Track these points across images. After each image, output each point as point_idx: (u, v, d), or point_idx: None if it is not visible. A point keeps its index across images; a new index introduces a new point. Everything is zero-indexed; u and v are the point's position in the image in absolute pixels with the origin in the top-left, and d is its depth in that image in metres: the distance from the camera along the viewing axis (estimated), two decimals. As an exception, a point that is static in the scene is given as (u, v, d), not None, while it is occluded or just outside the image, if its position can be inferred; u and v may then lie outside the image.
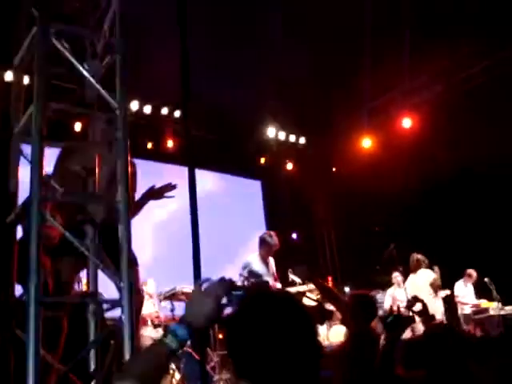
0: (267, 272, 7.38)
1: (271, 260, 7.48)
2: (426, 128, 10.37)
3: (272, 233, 7.57)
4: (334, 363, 3.74)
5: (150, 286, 8.49)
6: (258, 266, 7.29)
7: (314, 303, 6.98)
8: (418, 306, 5.65)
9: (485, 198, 9.62)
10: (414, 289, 8.70)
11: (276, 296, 1.66)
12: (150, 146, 10.78)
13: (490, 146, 8.74)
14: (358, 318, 4.03)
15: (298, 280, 7.75)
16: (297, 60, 8.67)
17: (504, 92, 8.93)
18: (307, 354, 1.49)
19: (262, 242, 7.41)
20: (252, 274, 7.22)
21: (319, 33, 8.07)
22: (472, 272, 9.66)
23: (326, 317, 7.91)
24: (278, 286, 7.53)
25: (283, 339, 1.47)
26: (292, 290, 7.14)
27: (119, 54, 3.32)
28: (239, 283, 7.11)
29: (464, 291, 9.75)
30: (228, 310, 1.77)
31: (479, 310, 9.44)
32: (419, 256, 9.14)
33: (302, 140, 12.46)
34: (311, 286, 7.89)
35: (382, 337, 4.00)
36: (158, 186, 4.47)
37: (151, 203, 4.47)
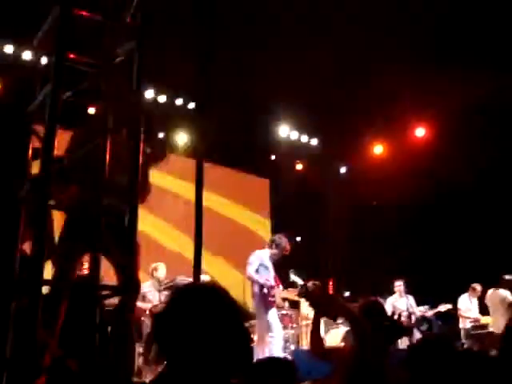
0: (272, 271, 7.56)
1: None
2: (439, 138, 10.36)
3: (284, 237, 7.70)
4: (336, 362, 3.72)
5: (161, 270, 8.44)
6: (268, 263, 7.53)
7: None
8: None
9: (495, 211, 9.57)
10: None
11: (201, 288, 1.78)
12: (161, 135, 10.79)
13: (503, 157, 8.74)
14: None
15: (298, 281, 7.78)
16: (313, 60, 8.65)
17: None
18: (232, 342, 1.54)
19: (275, 244, 7.58)
20: (262, 267, 7.45)
21: (341, 32, 8.03)
22: (477, 286, 9.58)
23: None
24: (298, 281, 7.85)
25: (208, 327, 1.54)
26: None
27: (138, 40, 3.31)
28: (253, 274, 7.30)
29: (467, 305, 9.66)
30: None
31: (479, 326, 9.38)
32: None
33: (314, 141, 12.43)
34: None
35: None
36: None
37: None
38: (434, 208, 10.44)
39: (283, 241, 7.57)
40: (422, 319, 9.28)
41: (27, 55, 8.62)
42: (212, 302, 1.59)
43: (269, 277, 7.42)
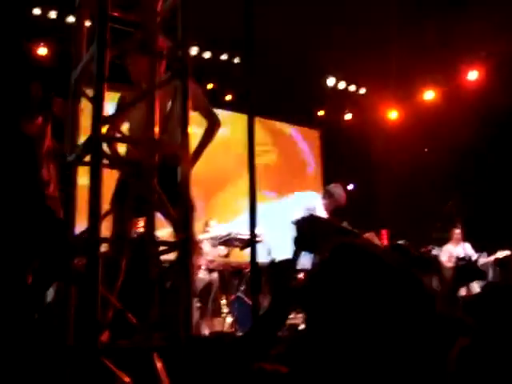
0: None
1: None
2: (491, 82, 10.01)
3: (340, 187, 7.32)
4: None
5: (214, 225, 8.55)
6: (321, 213, 7.07)
7: None
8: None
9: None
10: None
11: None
12: (209, 90, 10.77)
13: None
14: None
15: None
16: (362, 9, 8.41)
17: None
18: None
19: (329, 194, 7.22)
20: None
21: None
22: None
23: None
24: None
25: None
26: None
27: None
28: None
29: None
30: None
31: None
32: None
33: (363, 90, 12.20)
34: (369, 235, 7.82)
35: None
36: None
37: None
38: (487, 154, 10.15)
39: (338, 190, 7.21)
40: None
41: (71, 19, 8.68)
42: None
43: None
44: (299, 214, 7.06)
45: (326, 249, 1.41)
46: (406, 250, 3.88)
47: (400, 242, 4.31)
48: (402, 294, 1.32)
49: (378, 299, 1.31)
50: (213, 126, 4.44)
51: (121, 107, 4.28)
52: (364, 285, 1.32)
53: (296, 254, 1.81)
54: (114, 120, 3.32)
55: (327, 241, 1.43)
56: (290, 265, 1.81)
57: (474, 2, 8.23)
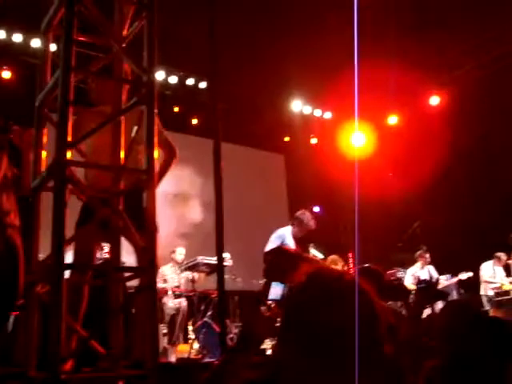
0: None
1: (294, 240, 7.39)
2: (454, 106, 10.24)
3: (308, 213, 7.43)
4: None
5: (179, 254, 8.54)
6: (290, 241, 7.22)
7: None
8: None
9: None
10: None
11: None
12: (174, 116, 10.78)
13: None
14: None
15: (319, 255, 7.74)
16: (324, 32, 8.55)
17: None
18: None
19: (298, 220, 7.31)
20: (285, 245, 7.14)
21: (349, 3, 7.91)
22: (501, 255, 9.53)
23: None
24: (319, 255, 7.60)
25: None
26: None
27: (147, 18, 3.27)
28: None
29: (490, 273, 9.61)
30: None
31: (502, 292, 9.34)
32: None
33: (328, 115, 12.35)
34: (334, 258, 7.90)
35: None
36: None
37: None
38: (451, 177, 10.33)
39: (306, 217, 7.30)
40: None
41: (36, 43, 8.63)
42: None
43: None
44: (271, 243, 7.13)
45: (296, 278, 1.41)
46: (377, 275, 3.92)
47: (368, 265, 4.34)
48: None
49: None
50: (170, 158, 4.39)
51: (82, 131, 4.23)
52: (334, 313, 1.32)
53: (266, 285, 1.84)
54: (78, 145, 3.28)
55: (295, 270, 1.43)
56: (261, 295, 1.84)
57: (436, 28, 8.43)
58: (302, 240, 7.72)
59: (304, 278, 1.41)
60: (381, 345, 1.33)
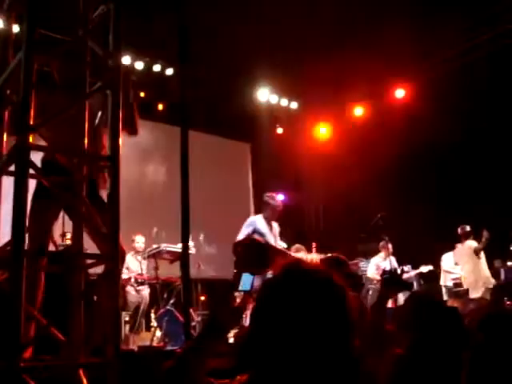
0: (270, 233, 7.32)
1: (274, 224, 7.45)
2: (418, 99, 10.35)
3: (274, 194, 7.52)
4: None
5: (139, 241, 8.49)
6: (262, 226, 7.24)
7: None
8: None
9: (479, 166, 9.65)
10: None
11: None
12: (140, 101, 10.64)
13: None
14: None
15: (282, 244, 7.76)
16: (294, 23, 8.54)
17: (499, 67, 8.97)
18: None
19: (265, 204, 7.37)
20: (257, 232, 7.17)
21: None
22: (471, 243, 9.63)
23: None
24: (283, 245, 7.61)
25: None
26: None
27: (114, 1, 3.22)
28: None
29: (451, 264, 9.74)
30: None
31: (460, 283, 9.50)
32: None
33: (294, 105, 12.37)
34: (298, 247, 7.96)
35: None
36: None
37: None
38: (412, 168, 10.46)
39: (272, 198, 7.36)
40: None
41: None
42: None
43: (264, 239, 7.16)
44: (241, 233, 7.14)
45: (272, 270, 1.43)
46: (342, 263, 3.98)
47: (332, 254, 4.39)
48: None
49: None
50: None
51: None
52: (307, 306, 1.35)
53: (236, 276, 1.83)
54: (40, 128, 3.21)
55: (265, 261, 1.46)
56: (230, 286, 1.83)
57: (398, 21, 8.48)
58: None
59: (280, 270, 1.42)
60: (354, 335, 1.36)
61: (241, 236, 7.08)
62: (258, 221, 7.30)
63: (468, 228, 9.31)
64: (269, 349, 1.35)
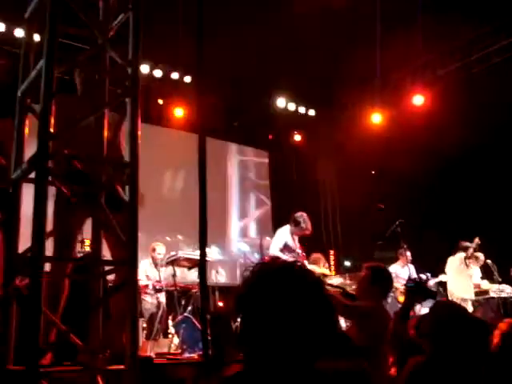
0: (295, 246, 7.49)
1: (296, 238, 7.58)
2: (437, 106, 10.28)
3: (306, 217, 7.52)
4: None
5: (160, 253, 8.45)
6: (290, 241, 7.43)
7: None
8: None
9: (494, 178, 9.55)
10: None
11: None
12: (158, 110, 10.71)
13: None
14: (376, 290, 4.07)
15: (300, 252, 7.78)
16: (310, 31, 8.55)
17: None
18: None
19: (296, 223, 7.43)
20: (286, 247, 7.36)
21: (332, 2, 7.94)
22: (479, 255, 9.56)
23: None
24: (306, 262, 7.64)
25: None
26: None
27: (134, 12, 3.25)
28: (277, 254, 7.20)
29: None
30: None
31: (479, 292, 9.41)
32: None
33: (312, 112, 12.36)
34: (316, 257, 7.96)
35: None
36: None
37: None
38: (432, 179, 10.40)
39: (303, 219, 7.42)
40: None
41: (19, 33, 8.51)
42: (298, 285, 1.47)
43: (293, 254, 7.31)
44: (274, 244, 7.37)
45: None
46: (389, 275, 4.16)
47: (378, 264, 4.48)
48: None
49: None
50: None
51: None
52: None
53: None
54: (62, 136, 3.24)
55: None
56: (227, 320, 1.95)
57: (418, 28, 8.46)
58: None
59: (254, 271, 1.53)
60: (335, 327, 1.46)
61: (274, 248, 7.31)
62: (287, 236, 7.45)
63: (465, 243, 9.30)
64: (259, 331, 1.44)
